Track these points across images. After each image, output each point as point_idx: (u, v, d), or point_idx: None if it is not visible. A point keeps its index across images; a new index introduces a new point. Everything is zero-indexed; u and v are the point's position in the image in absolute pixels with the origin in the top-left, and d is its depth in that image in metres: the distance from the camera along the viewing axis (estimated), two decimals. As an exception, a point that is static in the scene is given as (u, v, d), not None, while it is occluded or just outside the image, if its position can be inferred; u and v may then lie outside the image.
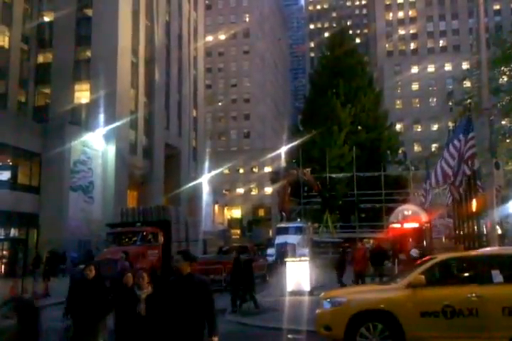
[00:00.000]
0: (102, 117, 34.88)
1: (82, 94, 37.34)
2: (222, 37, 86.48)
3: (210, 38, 78.66)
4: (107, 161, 34.49)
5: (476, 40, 13.85)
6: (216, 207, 61.96)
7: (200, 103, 55.47)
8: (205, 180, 50.30)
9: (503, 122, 20.34)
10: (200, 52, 56.02)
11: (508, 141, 21.44)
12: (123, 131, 36.43)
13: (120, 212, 23.05)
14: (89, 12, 38.43)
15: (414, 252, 15.11)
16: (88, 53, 37.86)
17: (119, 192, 34.78)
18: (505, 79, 19.18)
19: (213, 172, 54.38)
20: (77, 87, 37.49)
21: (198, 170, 50.89)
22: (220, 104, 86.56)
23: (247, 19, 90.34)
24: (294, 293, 14.93)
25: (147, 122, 41.21)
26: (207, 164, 53.54)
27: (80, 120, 36.44)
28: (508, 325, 6.85)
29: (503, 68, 18.43)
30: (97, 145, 33.94)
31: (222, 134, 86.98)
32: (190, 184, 44.96)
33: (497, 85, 18.70)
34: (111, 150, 34.75)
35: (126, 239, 19.50)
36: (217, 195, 62.49)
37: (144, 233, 19.20)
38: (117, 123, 34.39)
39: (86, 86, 37.15)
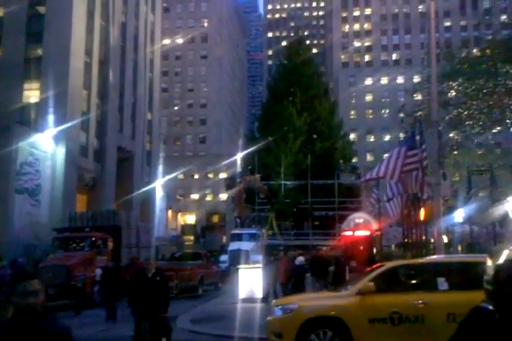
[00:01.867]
0: (51, 118, 33.72)
1: (32, 93, 36.02)
2: (179, 41, 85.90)
3: (167, 41, 77.94)
4: (55, 163, 33.35)
5: (427, 54, 14.37)
6: (169, 212, 61.11)
7: (156, 106, 54.71)
8: (158, 185, 49.51)
9: (451, 135, 21.20)
10: (156, 55, 55.33)
11: (455, 153, 22.41)
12: (73, 132, 35.37)
13: (68, 216, 22.38)
14: (41, 9, 37.22)
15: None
16: (39, 51, 36.61)
17: (67, 196, 33.67)
18: (454, 93, 20.00)
19: (167, 177, 53.64)
20: (26, 85, 36.16)
21: (151, 175, 50.05)
22: (175, 108, 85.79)
23: (206, 24, 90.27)
24: (246, 300, 14.86)
25: (99, 124, 40.20)
26: (161, 169, 52.77)
27: (28, 120, 35.11)
28: (452, 331, 7.04)
29: (451, 83, 19.21)
30: (46, 147, 32.75)
31: (178, 139, 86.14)
32: (143, 189, 44.10)
33: (446, 99, 19.46)
34: (60, 152, 33.63)
35: (74, 245, 18.90)
36: (170, 201, 61.64)
37: (93, 238, 18.66)
38: (68, 125, 33.32)
39: (36, 85, 35.89)
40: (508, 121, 19.10)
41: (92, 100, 39.24)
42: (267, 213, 38.35)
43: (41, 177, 32.08)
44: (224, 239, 48.00)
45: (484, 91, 18.11)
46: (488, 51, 19.96)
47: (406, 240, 14.99)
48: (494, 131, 20.77)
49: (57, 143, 33.33)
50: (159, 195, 50.23)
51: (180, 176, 72.34)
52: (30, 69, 35.86)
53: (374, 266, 9.14)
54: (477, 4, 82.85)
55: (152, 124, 53.34)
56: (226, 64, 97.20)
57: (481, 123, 18.75)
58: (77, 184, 36.21)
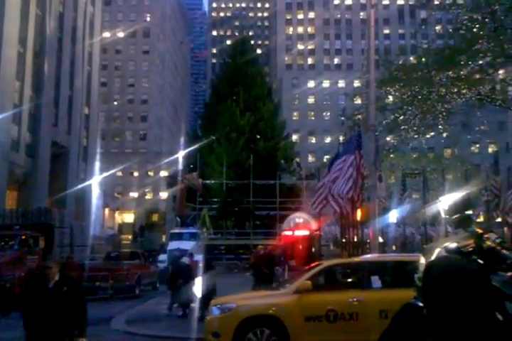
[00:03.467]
0: (-20, 109, 31.75)
1: (-42, 83, 33.68)
2: (120, 34, 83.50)
3: (107, 35, 75.58)
4: (-17, 158, 31.43)
5: (367, 60, 14.85)
6: (106, 210, 59.34)
7: (94, 101, 52.89)
8: (95, 182, 47.93)
9: (388, 138, 22.05)
10: (95, 48, 53.49)
11: (391, 156, 23.37)
12: (4, 125, 33.44)
13: (-4, 213, 21.20)
14: (-30, -6, 34.91)
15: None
16: (-32, 39, 34.31)
17: (-4, 192, 31.85)
18: (391, 98, 20.81)
19: (105, 174, 52.04)
20: (-48, 74, 33.75)
21: (87, 172, 48.32)
22: (115, 103, 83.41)
23: (148, 19, 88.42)
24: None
25: (33, 117, 38.28)
26: (98, 165, 51.07)
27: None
28: (385, 328, 7.27)
29: (389, 88, 19.97)
30: (-27, 140, 30.80)
31: (117, 135, 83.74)
32: (79, 186, 42.51)
33: (383, 104, 20.21)
34: (-11, 145, 31.74)
35: (2, 243, 17.91)
36: (108, 199, 59.89)
37: (23, 237, 17.77)
38: (-2, 117, 31.51)
39: (-37, 74, 33.60)
40: (440, 126, 20.14)
41: (25, 92, 37.31)
42: (208, 212, 38.18)
43: (-33, 172, 30.13)
44: (164, 238, 47.25)
45: (419, 97, 18.97)
46: (423, 59, 20.93)
47: (343, 239, 15.42)
48: (428, 136, 21.85)
49: (-14, 136, 31.43)
50: (96, 192, 48.66)
51: (119, 173, 70.46)
52: (-44, 56, 33.50)
53: (312, 265, 9.30)
54: (415, 14, 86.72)
55: (90, 119, 51.53)
56: (169, 60, 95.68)
57: (415, 128, 19.65)
58: (8, 180, 34.36)
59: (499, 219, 18.74)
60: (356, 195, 11.46)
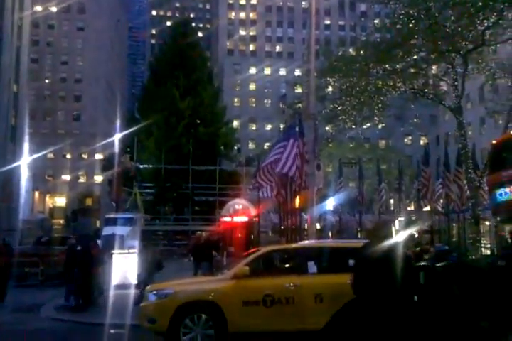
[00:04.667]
0: None
1: None
2: (53, 9, 78.93)
3: (39, 8, 71.22)
4: None
5: (307, 49, 15.03)
6: (36, 194, 56.77)
7: (23, 78, 49.97)
8: (24, 164, 45.57)
9: (327, 128, 22.57)
10: (26, 22, 50.38)
11: (330, 145, 23.97)
12: None
13: None
14: None
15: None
16: None
17: None
18: (330, 88, 21.26)
19: (34, 156, 49.58)
20: None
21: (16, 153, 45.80)
22: (46, 81, 79.15)
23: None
24: (119, 287, 14.41)
25: (-45, 94, 35.63)
26: (27, 146, 48.51)
27: None
28: (319, 311, 7.55)
29: (328, 78, 20.38)
30: None
31: (48, 115, 79.59)
32: (6, 167, 40.24)
33: (323, 94, 20.62)
34: None
35: None
36: (38, 181, 57.26)
37: None
38: None
39: None
40: (376, 118, 20.89)
41: None
42: (146, 197, 37.50)
43: None
44: (98, 223, 46.02)
45: (357, 88, 19.53)
46: (361, 51, 21.51)
47: (282, 226, 15.69)
48: (364, 126, 22.60)
49: None
50: (25, 174, 46.36)
51: (50, 155, 67.42)
52: None
53: (250, 251, 9.41)
54: (355, 6, 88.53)
55: (18, 97, 48.73)
56: (105, 39, 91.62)
57: (352, 118, 20.27)
58: None
59: (427, 208, 19.88)
60: (302, 182, 11.65)
